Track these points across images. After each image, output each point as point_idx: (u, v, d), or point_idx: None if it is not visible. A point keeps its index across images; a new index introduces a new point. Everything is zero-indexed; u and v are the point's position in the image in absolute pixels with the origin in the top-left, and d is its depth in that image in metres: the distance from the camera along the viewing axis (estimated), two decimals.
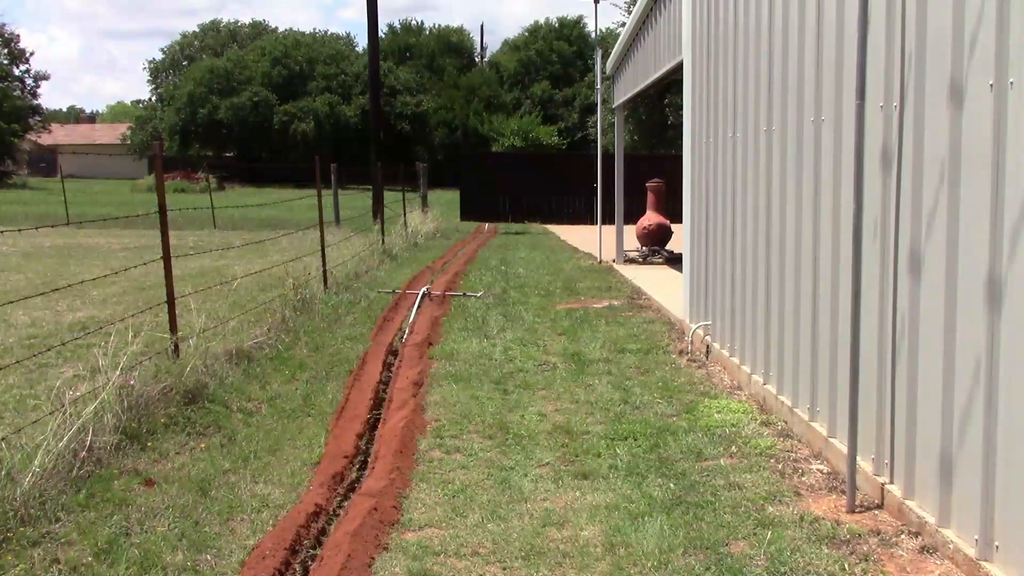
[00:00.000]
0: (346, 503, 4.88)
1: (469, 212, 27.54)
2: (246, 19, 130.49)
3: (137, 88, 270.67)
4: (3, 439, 4.95)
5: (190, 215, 23.94)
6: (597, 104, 18.29)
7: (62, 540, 4.23)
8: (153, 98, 77.33)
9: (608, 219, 17.71)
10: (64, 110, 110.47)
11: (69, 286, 8.88)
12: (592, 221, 21.57)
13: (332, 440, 5.89)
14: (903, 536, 4.30)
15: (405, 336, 9.52)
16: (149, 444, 5.58)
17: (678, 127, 28.63)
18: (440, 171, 47.89)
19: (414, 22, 76.10)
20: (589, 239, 19.47)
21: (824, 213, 5.50)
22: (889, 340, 4.64)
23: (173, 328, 7.14)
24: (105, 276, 10.98)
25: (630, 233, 17.64)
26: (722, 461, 5.42)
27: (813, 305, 5.68)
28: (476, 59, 76.11)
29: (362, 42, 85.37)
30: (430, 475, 5.22)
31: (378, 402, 7.00)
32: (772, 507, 4.67)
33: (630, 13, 19.77)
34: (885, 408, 4.68)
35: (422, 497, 4.88)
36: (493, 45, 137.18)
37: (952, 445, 4.05)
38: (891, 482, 4.64)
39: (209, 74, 63.26)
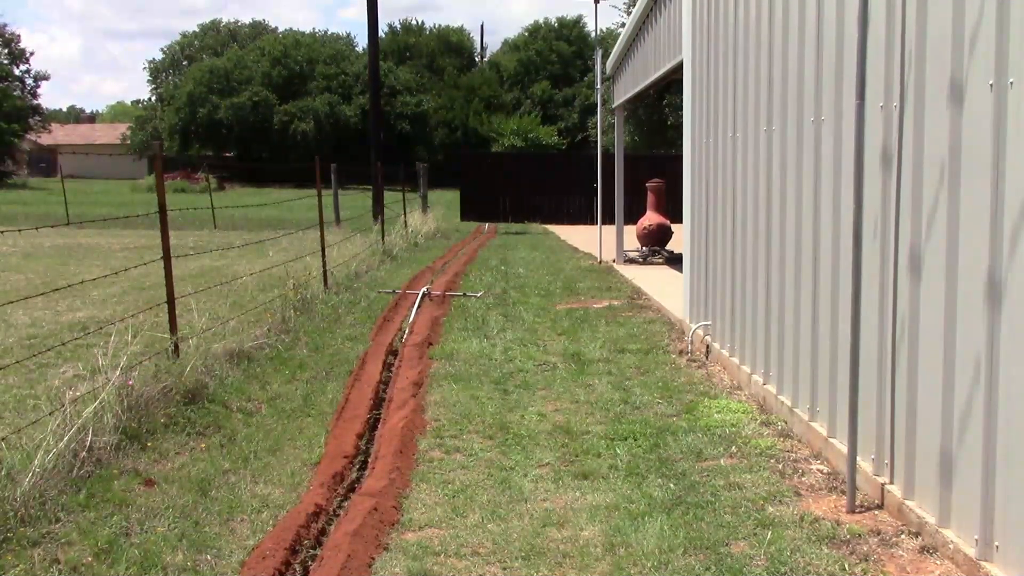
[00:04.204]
0: (346, 503, 4.88)
1: (469, 212, 27.55)
2: (246, 19, 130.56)
3: (137, 88, 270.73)
4: (3, 439, 4.95)
5: (190, 215, 23.96)
6: (597, 104, 18.29)
7: (62, 540, 4.23)
8: (153, 98, 77.38)
9: (608, 219, 17.71)
10: (64, 110, 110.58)
11: (69, 286, 8.88)
12: (592, 221, 21.58)
13: (332, 440, 5.89)
14: (903, 536, 4.30)
15: (405, 336, 9.52)
16: (149, 444, 5.58)
17: (678, 127, 28.63)
18: (440, 171, 47.87)
19: (414, 22, 76.18)
20: (589, 239, 19.47)
21: (824, 213, 5.50)
22: (889, 340, 4.64)
23: (173, 328, 7.14)
24: (105, 276, 10.98)
25: (630, 233, 17.64)
26: (722, 461, 5.42)
27: (813, 305, 5.68)
28: (476, 59, 76.14)
29: (362, 42, 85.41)
30: (430, 475, 5.22)
31: (378, 402, 7.00)
32: (772, 507, 4.67)
33: (630, 13, 19.77)
34: (885, 408, 4.68)
35: (422, 497, 4.88)
36: (493, 45, 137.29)
37: (952, 445, 4.05)
38: (891, 482, 4.64)
39: (209, 74, 63.23)
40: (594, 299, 12.00)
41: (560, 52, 68.50)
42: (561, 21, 71.49)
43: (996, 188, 3.72)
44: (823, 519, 4.51)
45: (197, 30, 79.12)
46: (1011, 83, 3.61)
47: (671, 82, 12.85)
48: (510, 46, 74.63)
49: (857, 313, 4.73)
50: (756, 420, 6.26)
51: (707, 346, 8.40)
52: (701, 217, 8.80)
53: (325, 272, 12.35)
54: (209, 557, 4.14)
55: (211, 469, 5.26)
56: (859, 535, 4.32)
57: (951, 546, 4.00)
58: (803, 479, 5.12)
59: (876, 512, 4.63)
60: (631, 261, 16.70)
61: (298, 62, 64.13)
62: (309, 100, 61.53)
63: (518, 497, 4.87)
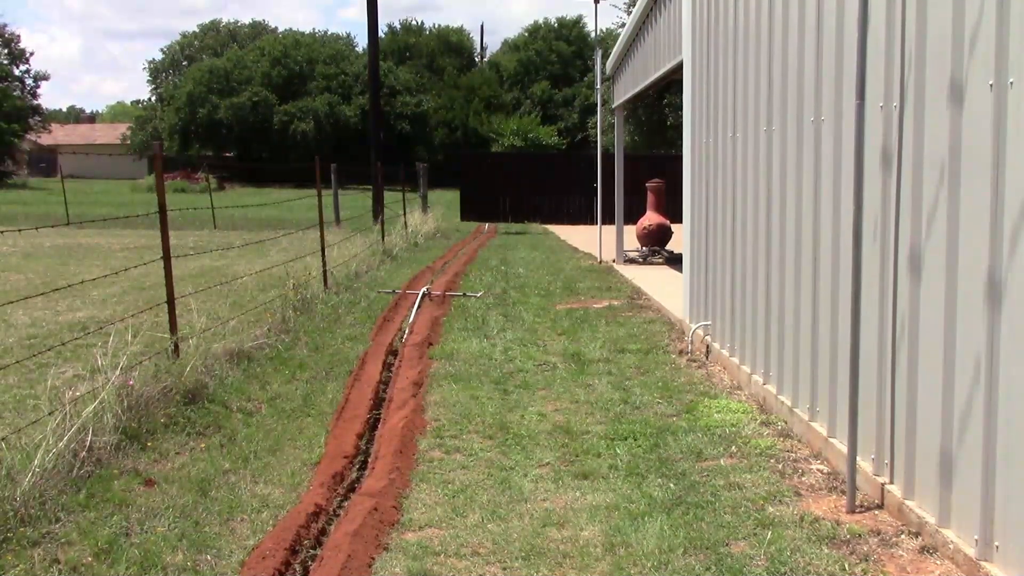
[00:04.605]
0: (346, 503, 4.88)
1: (469, 212, 27.56)
2: (246, 19, 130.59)
3: (137, 88, 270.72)
4: (3, 439, 4.95)
5: (190, 215, 23.98)
6: (597, 104, 18.29)
7: (62, 540, 4.23)
8: (153, 98, 77.40)
9: (608, 219, 17.71)
10: (64, 110, 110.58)
11: (69, 286, 8.88)
12: (592, 221, 21.59)
13: (332, 440, 5.89)
14: (903, 536, 4.30)
15: (405, 336, 9.52)
16: (149, 444, 5.58)
17: (678, 127, 28.64)
18: (440, 171, 47.87)
19: (414, 22, 76.22)
20: (589, 239, 19.47)
21: (824, 213, 5.50)
22: (889, 340, 4.64)
23: (173, 328, 7.14)
24: (105, 276, 10.99)
25: (630, 233, 17.64)
26: (722, 461, 5.42)
27: (813, 305, 5.68)
28: (476, 59, 76.14)
29: (362, 42, 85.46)
30: (430, 475, 5.22)
31: (378, 402, 7.01)
32: (772, 507, 4.67)
33: (630, 13, 19.77)
34: (885, 408, 4.68)
35: (422, 497, 4.88)
36: (493, 45, 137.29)
37: (952, 445, 4.05)
38: (891, 482, 4.64)
39: (209, 74, 63.25)
40: (594, 299, 12.00)
41: (560, 52, 68.52)
42: (561, 21, 71.54)
43: (996, 188, 3.72)
44: (823, 519, 4.51)
45: (197, 30, 79.22)
46: (1011, 83, 3.61)
47: (671, 82, 12.84)
48: (510, 46, 74.65)
49: (857, 313, 4.73)
50: (756, 420, 6.26)
51: (707, 346, 8.40)
52: (701, 217, 8.80)
53: (325, 272, 12.35)
54: (209, 557, 4.14)
55: (211, 469, 5.26)
56: (859, 535, 4.32)
57: (951, 546, 4.00)
58: (803, 479, 5.12)
59: (876, 512, 4.63)
60: (631, 261, 16.70)
61: (298, 62, 64.13)
62: (309, 100, 61.53)
63: (518, 497, 4.87)
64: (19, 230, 6.95)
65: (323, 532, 4.50)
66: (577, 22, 71.20)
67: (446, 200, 33.10)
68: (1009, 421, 3.65)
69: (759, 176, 6.78)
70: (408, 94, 63.32)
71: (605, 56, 17.26)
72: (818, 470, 5.26)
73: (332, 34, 74.63)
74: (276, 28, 78.17)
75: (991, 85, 3.73)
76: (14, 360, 7.53)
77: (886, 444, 4.67)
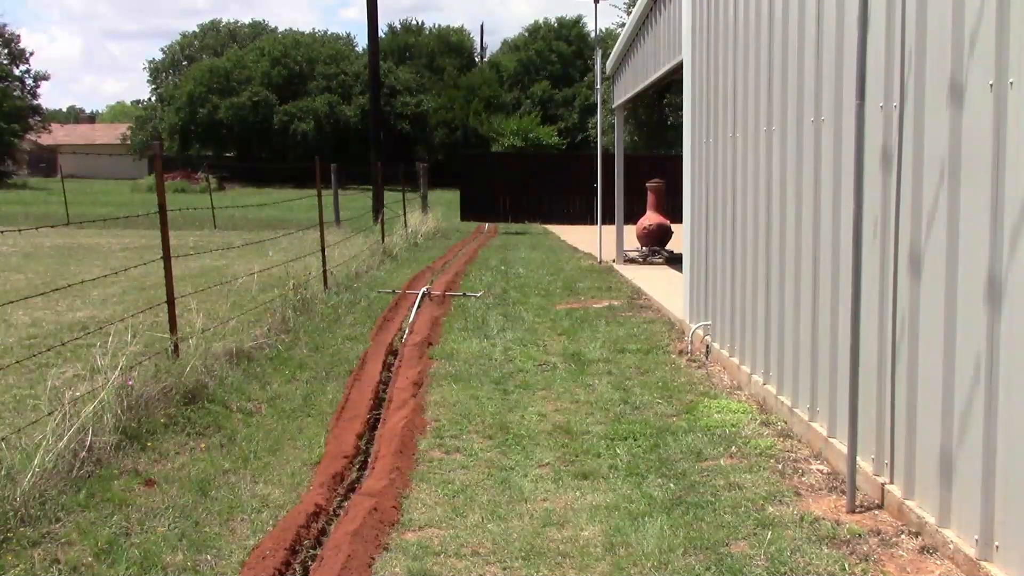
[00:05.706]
0: (346, 503, 4.88)
1: (469, 212, 27.55)
2: (246, 19, 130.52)
3: (137, 88, 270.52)
4: (3, 439, 4.95)
5: (190, 215, 23.96)
6: (597, 104, 18.28)
7: (62, 540, 4.23)
8: (153, 98, 77.35)
9: (608, 219, 17.71)
10: (64, 110, 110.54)
11: (69, 286, 8.88)
12: (592, 221, 21.58)
13: (332, 440, 5.89)
14: (903, 536, 4.30)
15: (405, 336, 9.51)
16: (149, 444, 5.58)
17: (678, 127, 28.63)
18: (440, 171, 47.86)
19: (414, 22, 76.18)
20: (589, 239, 19.47)
21: (824, 213, 5.50)
22: (889, 340, 4.64)
23: (173, 328, 7.14)
24: (105, 276, 10.99)
25: (630, 233, 17.64)
26: (722, 461, 5.42)
27: (813, 305, 5.68)
28: (476, 59, 76.12)
29: (362, 42, 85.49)
30: (430, 475, 5.22)
31: (378, 402, 7.01)
32: (772, 507, 4.67)
33: (630, 13, 19.76)
34: (885, 408, 4.68)
35: (422, 497, 4.88)
36: (493, 45, 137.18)
37: (952, 445, 4.05)
38: (891, 482, 4.64)
39: (209, 74, 63.22)
40: (594, 299, 12.00)
41: (560, 52, 68.53)
42: (561, 21, 71.55)
43: (996, 188, 3.72)
44: (823, 519, 4.51)
45: (197, 30, 79.16)
46: (1011, 83, 3.61)
47: (671, 82, 12.84)
48: (510, 46, 74.66)
49: (857, 313, 4.73)
50: (756, 420, 6.26)
51: (707, 346, 8.40)
52: (701, 217, 8.80)
53: (325, 272, 12.35)
54: (209, 557, 4.14)
55: (211, 469, 5.26)
56: (859, 535, 4.32)
57: (951, 546, 4.00)
58: (803, 479, 5.12)
59: (876, 512, 4.63)
60: (631, 261, 16.70)
61: (298, 62, 64.09)
62: (309, 100, 61.49)
63: (518, 497, 4.87)
64: (19, 230, 6.95)
65: (323, 532, 4.50)
66: (577, 22, 71.28)
67: (446, 200, 33.09)
68: (1009, 421, 3.65)
69: (759, 176, 6.78)
70: (408, 94, 63.29)
71: (605, 56, 17.25)
72: (818, 470, 5.26)
73: (332, 34, 74.69)
74: (276, 28, 78.18)
75: (991, 85, 3.73)
76: (14, 360, 7.52)
77: (886, 444, 4.67)
